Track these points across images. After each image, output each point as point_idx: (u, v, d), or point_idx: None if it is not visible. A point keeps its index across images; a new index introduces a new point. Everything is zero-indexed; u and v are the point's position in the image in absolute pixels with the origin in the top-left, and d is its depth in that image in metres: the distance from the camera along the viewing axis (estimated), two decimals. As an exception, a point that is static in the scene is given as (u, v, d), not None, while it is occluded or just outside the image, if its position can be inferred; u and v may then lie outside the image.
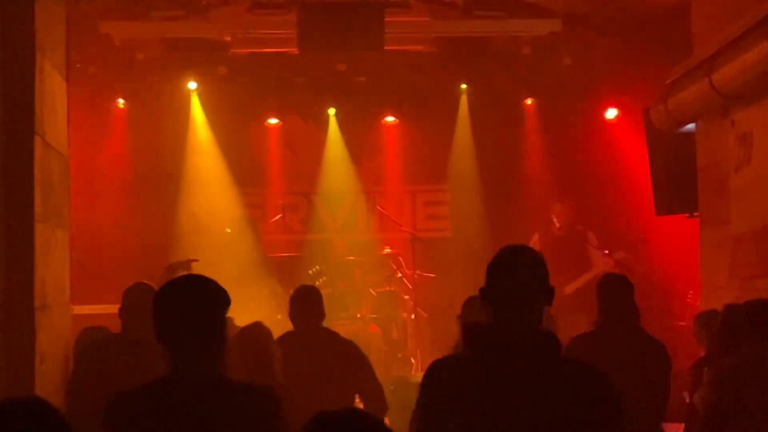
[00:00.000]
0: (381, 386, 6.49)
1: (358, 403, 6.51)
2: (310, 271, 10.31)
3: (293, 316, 6.47)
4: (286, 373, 5.67)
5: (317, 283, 10.09)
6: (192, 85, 12.41)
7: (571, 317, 9.89)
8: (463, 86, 12.79)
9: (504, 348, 3.44)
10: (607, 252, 10.78)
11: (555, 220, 11.19)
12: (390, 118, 13.18)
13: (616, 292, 5.91)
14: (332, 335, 6.56)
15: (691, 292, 10.66)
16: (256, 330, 5.81)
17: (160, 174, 12.27)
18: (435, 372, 3.55)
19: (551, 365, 3.44)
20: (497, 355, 3.44)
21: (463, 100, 12.87)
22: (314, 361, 6.08)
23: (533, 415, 3.33)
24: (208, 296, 3.57)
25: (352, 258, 12.23)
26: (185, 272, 7.20)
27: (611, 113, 12.75)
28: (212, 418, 3.43)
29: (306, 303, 6.50)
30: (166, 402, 3.46)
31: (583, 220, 11.31)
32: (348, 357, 6.43)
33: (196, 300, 3.55)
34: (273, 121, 13.00)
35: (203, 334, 3.53)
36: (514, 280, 3.51)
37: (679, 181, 10.03)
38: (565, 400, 3.35)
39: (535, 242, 10.85)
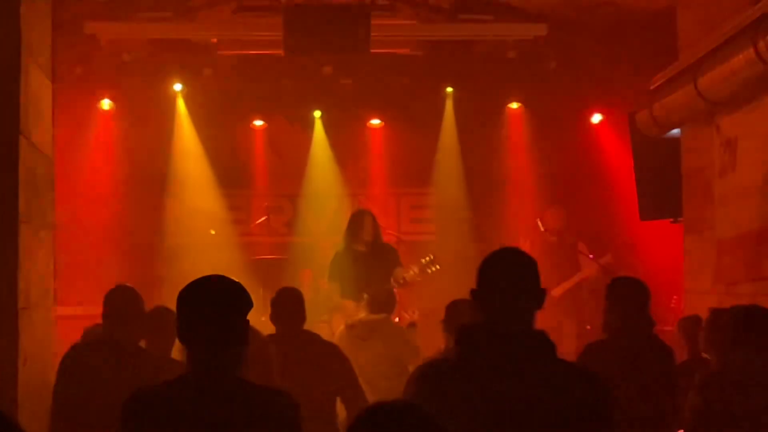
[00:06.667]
0: (362, 389, 6.49)
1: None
2: (423, 260, 10.22)
3: (274, 318, 6.47)
4: (268, 375, 5.64)
5: (430, 271, 10.14)
6: (178, 86, 12.38)
7: (557, 320, 9.98)
8: (449, 89, 12.79)
9: (496, 349, 3.43)
10: (591, 257, 10.81)
11: (540, 224, 11.18)
12: (375, 121, 13.18)
13: (631, 297, 5.79)
14: (314, 337, 6.56)
15: (675, 297, 10.68)
16: (252, 333, 5.79)
17: (146, 175, 12.25)
18: (426, 374, 3.53)
19: (544, 366, 3.44)
20: (489, 356, 3.43)
21: (449, 103, 12.87)
22: (295, 364, 6.06)
23: (526, 415, 3.33)
24: (231, 298, 3.58)
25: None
26: None
27: (596, 118, 12.77)
28: (231, 419, 3.44)
29: (287, 305, 6.49)
30: (185, 401, 3.46)
31: (572, 227, 11.31)
32: (329, 360, 6.43)
33: (219, 301, 3.55)
34: (258, 123, 12.99)
35: (225, 336, 3.54)
36: (505, 280, 3.51)
37: (663, 187, 10.06)
38: (558, 401, 3.35)
39: (526, 248, 10.85)
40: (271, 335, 6.38)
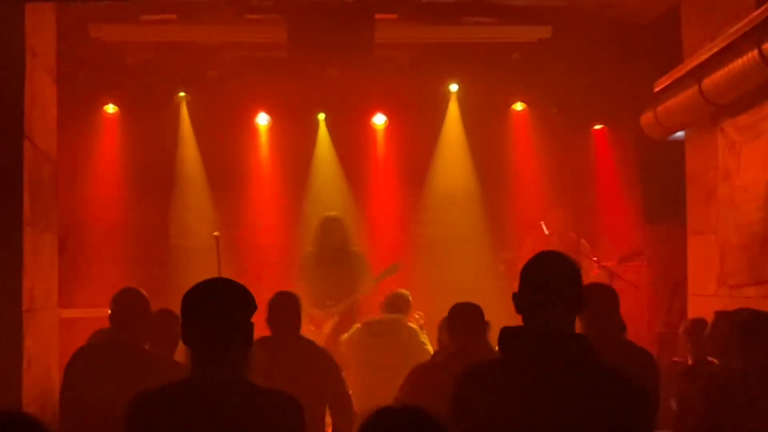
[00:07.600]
0: (350, 397, 6.53)
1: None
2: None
3: (270, 321, 6.47)
4: (257, 377, 5.64)
5: (387, 276, 10.57)
6: (182, 89, 12.37)
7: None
8: (453, 90, 12.79)
9: (539, 353, 3.46)
10: (595, 259, 10.79)
11: (544, 226, 11.19)
12: (379, 122, 13.16)
13: (600, 303, 5.83)
14: (307, 343, 6.56)
15: (678, 299, 10.67)
16: None
17: (150, 178, 12.23)
18: (470, 379, 3.56)
19: (587, 371, 3.46)
20: (532, 359, 3.46)
21: (452, 103, 12.86)
22: (286, 368, 6.03)
23: (567, 421, 3.35)
24: (235, 301, 3.60)
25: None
26: None
27: (601, 120, 12.74)
28: (235, 422, 3.45)
29: (283, 310, 6.49)
30: (188, 404, 3.48)
31: (575, 227, 11.31)
32: (319, 366, 6.43)
33: (223, 304, 3.57)
34: (262, 124, 12.98)
35: (229, 338, 3.55)
36: (547, 285, 3.54)
37: (668, 189, 10.06)
38: (601, 407, 3.38)
39: (528, 247, 10.85)
40: (265, 337, 6.37)
